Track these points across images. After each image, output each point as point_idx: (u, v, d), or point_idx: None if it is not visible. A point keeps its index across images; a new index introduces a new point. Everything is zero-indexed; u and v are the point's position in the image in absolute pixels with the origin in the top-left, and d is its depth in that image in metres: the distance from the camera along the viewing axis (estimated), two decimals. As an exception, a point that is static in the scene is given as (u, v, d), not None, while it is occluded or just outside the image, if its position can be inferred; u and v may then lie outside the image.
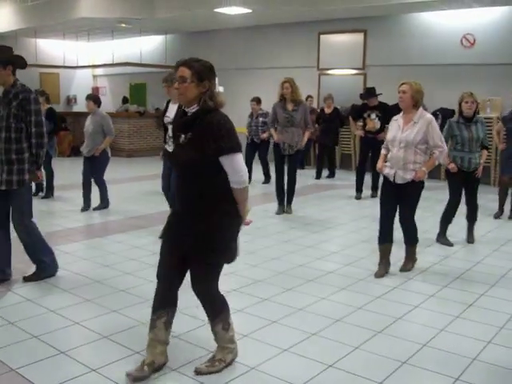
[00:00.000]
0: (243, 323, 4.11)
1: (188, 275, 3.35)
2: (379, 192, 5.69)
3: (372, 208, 8.44)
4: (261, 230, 7.14)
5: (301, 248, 6.38)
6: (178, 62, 3.23)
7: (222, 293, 3.43)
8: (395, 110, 5.73)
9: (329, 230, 7.35)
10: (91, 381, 3.28)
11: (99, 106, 8.34)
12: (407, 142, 5.12)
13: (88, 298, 4.66)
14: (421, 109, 5.20)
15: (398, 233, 5.55)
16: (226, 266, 3.35)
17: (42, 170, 5.51)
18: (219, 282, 3.37)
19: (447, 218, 6.60)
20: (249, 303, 4.62)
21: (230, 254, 3.30)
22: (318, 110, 13.03)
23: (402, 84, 5.16)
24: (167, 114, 6.38)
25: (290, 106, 7.94)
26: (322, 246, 6.51)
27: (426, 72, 11.76)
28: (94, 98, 8.39)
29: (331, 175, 12.28)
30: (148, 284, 4.93)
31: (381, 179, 5.78)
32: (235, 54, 15.42)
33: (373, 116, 9.47)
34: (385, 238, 5.42)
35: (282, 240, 6.75)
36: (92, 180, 8.45)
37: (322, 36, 13.96)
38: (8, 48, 4.92)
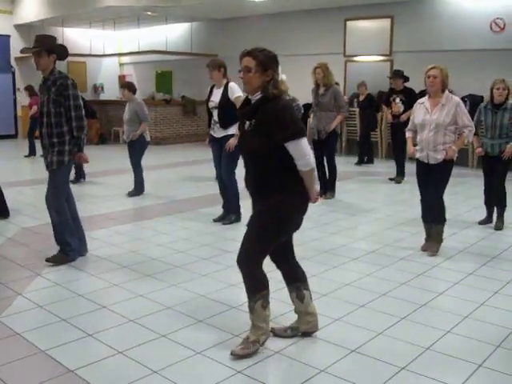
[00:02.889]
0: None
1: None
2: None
3: (409, 192, 8.54)
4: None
5: (342, 229, 6.56)
6: (243, 52, 3.33)
7: (271, 269, 3.54)
8: (420, 96, 5.84)
9: (368, 212, 7.48)
10: (118, 362, 3.39)
11: (134, 93, 8.49)
12: (437, 124, 5.24)
13: (116, 282, 4.77)
14: (446, 91, 5.32)
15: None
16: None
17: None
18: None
19: (485, 200, 6.71)
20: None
21: (291, 228, 3.49)
22: (346, 98, 13.09)
23: (432, 68, 5.25)
24: (212, 98, 6.47)
25: (321, 91, 8.10)
26: (363, 228, 6.69)
27: (455, 58, 11.72)
28: (128, 86, 8.52)
29: (369, 161, 12.26)
30: (174, 269, 5.12)
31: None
32: (260, 41, 15.28)
33: (397, 100, 9.59)
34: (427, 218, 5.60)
35: (322, 222, 6.89)
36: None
37: (348, 22, 13.99)
38: (53, 38, 5.20)
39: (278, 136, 3.19)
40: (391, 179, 9.85)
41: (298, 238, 5.92)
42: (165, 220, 7.00)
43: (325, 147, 8.25)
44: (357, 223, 6.93)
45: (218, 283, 4.69)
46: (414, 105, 5.62)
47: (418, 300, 4.33)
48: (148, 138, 8.59)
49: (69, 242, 5.21)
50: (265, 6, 13.88)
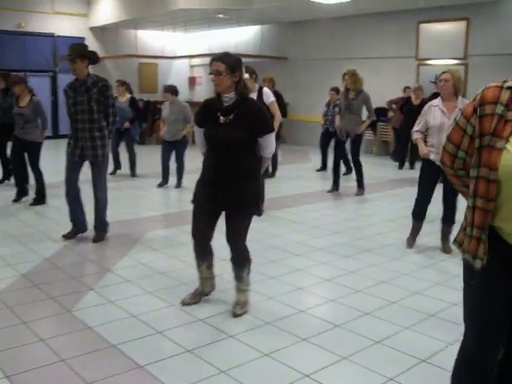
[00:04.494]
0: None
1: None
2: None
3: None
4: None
5: (390, 231, 6.35)
6: (212, 58, 3.83)
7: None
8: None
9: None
10: (186, 360, 3.51)
11: (177, 96, 9.13)
12: None
13: (186, 281, 4.69)
14: (460, 96, 5.50)
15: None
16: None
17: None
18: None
19: None
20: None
21: (260, 210, 4.01)
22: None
23: (444, 72, 5.49)
24: None
25: (351, 95, 8.63)
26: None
27: (534, 61, 11.30)
28: (171, 90, 9.14)
29: (411, 167, 12.09)
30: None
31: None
32: (330, 44, 15.38)
33: None
34: (420, 216, 5.79)
35: (369, 223, 6.84)
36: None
37: (421, 25, 13.68)
38: (84, 45, 6.11)
39: (260, 130, 3.87)
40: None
41: (342, 237, 6.05)
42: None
43: (351, 147, 8.80)
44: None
45: (286, 286, 4.66)
46: (426, 106, 5.70)
47: (451, 299, 4.33)
48: (188, 138, 9.45)
49: (105, 218, 6.08)
50: (336, 8, 13.73)
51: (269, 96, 6.73)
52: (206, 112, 3.98)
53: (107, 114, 5.78)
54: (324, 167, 11.60)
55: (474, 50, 12.82)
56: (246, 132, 3.79)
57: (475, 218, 2.15)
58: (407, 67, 13.90)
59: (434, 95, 9.81)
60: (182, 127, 9.01)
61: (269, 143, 3.94)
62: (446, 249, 5.66)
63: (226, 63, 3.75)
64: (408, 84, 13.37)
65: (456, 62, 13.13)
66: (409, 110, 11.89)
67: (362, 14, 14.50)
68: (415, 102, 11.84)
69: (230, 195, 3.87)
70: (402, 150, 13.34)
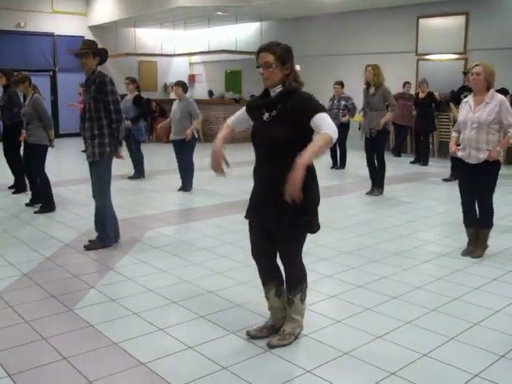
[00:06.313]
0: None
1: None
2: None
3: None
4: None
5: (413, 232, 6.45)
6: (259, 48, 3.33)
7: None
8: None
9: (441, 215, 7.33)
10: (188, 357, 3.44)
11: (186, 92, 8.67)
12: (479, 122, 5.12)
13: (187, 279, 4.85)
14: (492, 90, 5.19)
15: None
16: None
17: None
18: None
19: None
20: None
21: (316, 223, 3.40)
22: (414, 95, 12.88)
23: (476, 66, 5.19)
24: None
25: (371, 91, 8.24)
26: (435, 231, 6.57)
27: (534, 55, 11.28)
28: (183, 85, 8.64)
29: (424, 163, 11.98)
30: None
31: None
32: (330, 40, 15.36)
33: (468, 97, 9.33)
34: (471, 222, 5.43)
35: (392, 224, 6.81)
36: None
37: (421, 20, 13.66)
38: (96, 43, 5.64)
39: (310, 110, 3.18)
40: (445, 180, 9.73)
41: (367, 239, 5.96)
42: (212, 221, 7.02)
43: (375, 145, 8.32)
44: (428, 225, 6.75)
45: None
46: (461, 103, 5.52)
47: (489, 305, 4.19)
48: (196, 136, 8.76)
49: (106, 229, 5.66)
50: (336, 4, 13.74)
51: None
52: (253, 108, 3.50)
53: (109, 111, 5.38)
54: (335, 163, 11.35)
55: (473, 45, 12.81)
56: (293, 128, 3.20)
57: None
58: (407, 62, 13.88)
59: (463, 88, 9.78)
60: (188, 125, 8.44)
61: (325, 123, 3.15)
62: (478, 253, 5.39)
63: (276, 54, 3.24)
64: (408, 79, 13.35)
65: (456, 56, 13.13)
66: (417, 104, 12.08)
67: (361, 9, 14.49)
68: (421, 95, 11.98)
69: (275, 207, 3.30)
70: (400, 145, 13.36)
